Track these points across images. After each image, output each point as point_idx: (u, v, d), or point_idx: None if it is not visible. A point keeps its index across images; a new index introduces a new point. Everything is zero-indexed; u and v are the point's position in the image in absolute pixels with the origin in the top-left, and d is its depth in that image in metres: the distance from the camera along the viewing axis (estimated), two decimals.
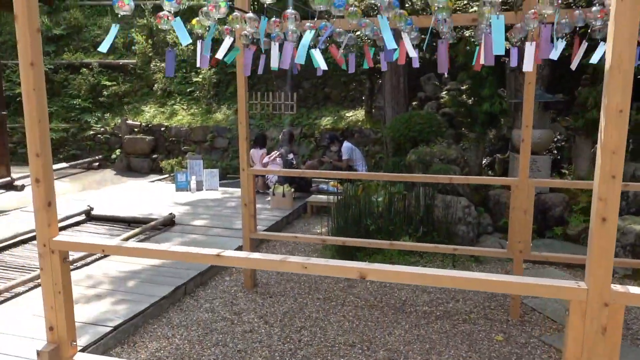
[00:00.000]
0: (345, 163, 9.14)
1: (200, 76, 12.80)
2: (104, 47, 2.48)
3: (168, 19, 3.01)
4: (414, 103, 11.02)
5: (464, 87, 10.75)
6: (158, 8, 14.55)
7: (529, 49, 2.62)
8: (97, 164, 12.16)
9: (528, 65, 2.86)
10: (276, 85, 12.29)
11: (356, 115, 11.49)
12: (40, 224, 2.42)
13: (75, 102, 13.35)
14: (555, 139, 7.31)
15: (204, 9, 3.03)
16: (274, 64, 3.35)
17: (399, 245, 4.68)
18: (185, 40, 2.81)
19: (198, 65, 3.38)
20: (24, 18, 2.28)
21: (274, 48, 3.31)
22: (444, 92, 11.21)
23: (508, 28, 3.41)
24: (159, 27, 3.01)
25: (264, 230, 6.31)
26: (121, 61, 13.95)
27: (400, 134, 8.20)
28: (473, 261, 5.59)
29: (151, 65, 13.70)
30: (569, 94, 7.03)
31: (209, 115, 12.45)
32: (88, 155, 12.49)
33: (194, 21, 3.36)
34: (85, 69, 13.62)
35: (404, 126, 8.19)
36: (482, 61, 2.81)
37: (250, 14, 3.20)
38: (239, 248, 5.77)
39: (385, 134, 8.99)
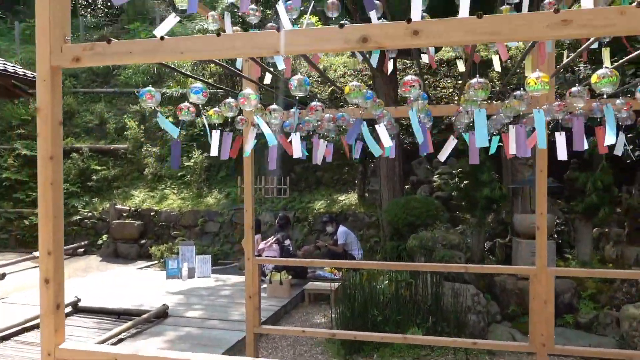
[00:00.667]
0: (341, 248, 8.97)
1: (192, 160, 12.80)
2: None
3: (189, 109, 2.97)
4: (406, 187, 11.07)
5: (456, 171, 10.87)
6: None
7: (560, 139, 2.60)
8: (82, 249, 11.76)
9: (562, 155, 2.73)
10: (267, 169, 12.31)
11: (349, 198, 11.47)
12: (47, 329, 2.19)
13: (63, 187, 13.13)
14: (555, 224, 7.29)
15: (228, 100, 3.00)
16: (298, 154, 3.31)
17: (412, 339, 4.42)
18: (175, 133, 2.79)
19: (214, 154, 3.29)
20: (47, 110, 2.20)
21: (296, 139, 3.27)
22: (435, 176, 11.32)
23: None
24: (180, 118, 2.96)
25: (263, 322, 5.98)
26: (112, 146, 13.97)
27: (398, 218, 8.12)
28: (486, 354, 5.31)
29: (142, 150, 13.71)
30: (558, 178, 7.12)
31: (199, 199, 12.32)
32: (73, 241, 12.10)
33: (211, 112, 3.33)
34: (75, 154, 13.56)
35: (402, 210, 8.13)
36: (513, 151, 2.77)
37: (274, 106, 3.19)
38: (239, 342, 5.42)
39: (382, 217, 8.91)
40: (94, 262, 11.05)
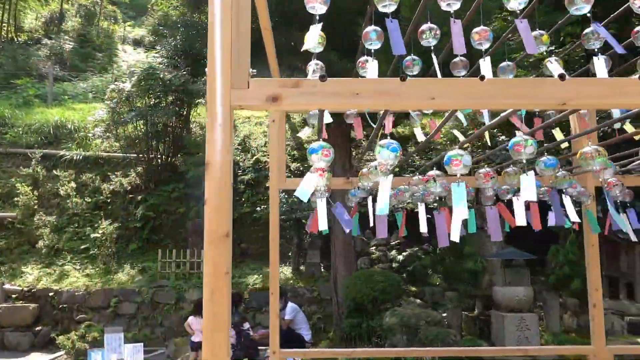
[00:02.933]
0: (286, 323, 8.22)
1: (100, 231, 11.28)
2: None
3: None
4: None
5: (395, 243, 10.85)
6: (46, 157, 13.10)
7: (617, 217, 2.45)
8: None
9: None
10: (191, 242, 11.24)
11: (283, 272, 10.79)
12: None
13: None
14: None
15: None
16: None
17: None
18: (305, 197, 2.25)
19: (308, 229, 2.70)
20: None
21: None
22: (372, 248, 11.19)
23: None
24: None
25: None
26: None
27: (362, 293, 7.69)
28: None
29: (35, 219, 11.83)
30: (531, 251, 7.33)
31: (109, 276, 10.76)
32: None
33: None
34: None
35: (365, 285, 7.74)
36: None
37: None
38: None
39: (337, 293, 8.41)
40: None
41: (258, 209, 11.28)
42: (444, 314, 6.97)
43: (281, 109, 1.76)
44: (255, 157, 13.22)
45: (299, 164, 12.94)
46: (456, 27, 1.93)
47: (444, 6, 1.99)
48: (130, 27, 26.98)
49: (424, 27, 2.34)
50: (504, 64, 2.70)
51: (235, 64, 1.60)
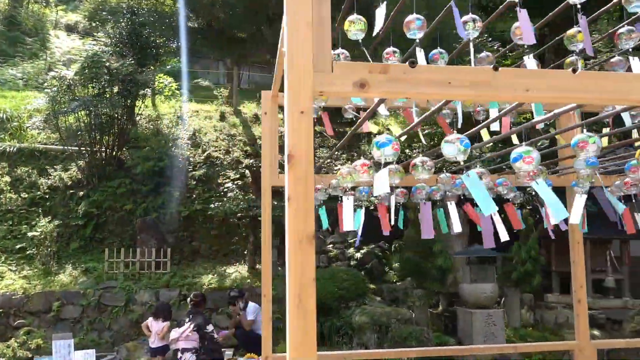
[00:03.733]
0: (249, 324, 8.01)
1: (39, 229, 10.48)
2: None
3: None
4: None
5: (353, 241, 10.84)
6: None
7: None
8: None
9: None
10: (140, 240, 10.67)
11: (238, 271, 10.49)
12: None
13: None
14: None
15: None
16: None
17: None
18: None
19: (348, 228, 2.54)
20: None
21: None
22: (329, 246, 11.14)
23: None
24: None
25: None
26: None
27: (326, 291, 7.58)
28: None
29: None
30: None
31: (49, 277, 10.01)
32: None
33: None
34: None
35: (330, 283, 7.64)
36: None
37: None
38: None
39: None
40: None
41: (212, 205, 10.89)
42: (411, 312, 7.00)
43: (369, 96, 1.59)
44: (206, 153, 12.78)
45: (253, 160, 12.64)
46: (522, 15, 1.83)
47: None
48: (62, 11, 25.40)
49: (466, 17, 2.24)
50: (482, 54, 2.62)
51: (318, 46, 1.42)
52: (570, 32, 2.27)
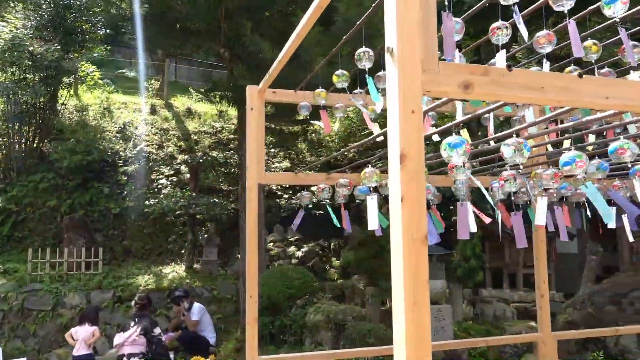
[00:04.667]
0: (193, 325, 7.75)
1: None
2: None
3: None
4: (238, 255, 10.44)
5: (295, 239, 10.85)
6: None
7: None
8: None
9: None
10: (67, 239, 9.95)
11: (175, 271, 10.11)
12: None
13: None
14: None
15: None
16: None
17: None
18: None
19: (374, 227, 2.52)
20: None
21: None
22: (269, 244, 11.05)
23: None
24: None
25: None
26: None
27: (277, 290, 7.51)
28: None
29: None
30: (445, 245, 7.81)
31: None
32: None
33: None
34: None
35: (280, 282, 7.58)
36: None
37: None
38: None
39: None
40: None
41: (148, 202, 10.39)
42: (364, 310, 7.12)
43: (472, 98, 1.59)
44: (138, 147, 12.18)
45: (187, 156, 12.22)
46: (571, 27, 1.92)
47: (555, 7, 1.97)
48: None
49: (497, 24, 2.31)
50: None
51: (426, 45, 1.40)
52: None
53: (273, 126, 13.28)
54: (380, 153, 3.61)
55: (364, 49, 2.56)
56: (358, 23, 2.59)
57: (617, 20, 2.01)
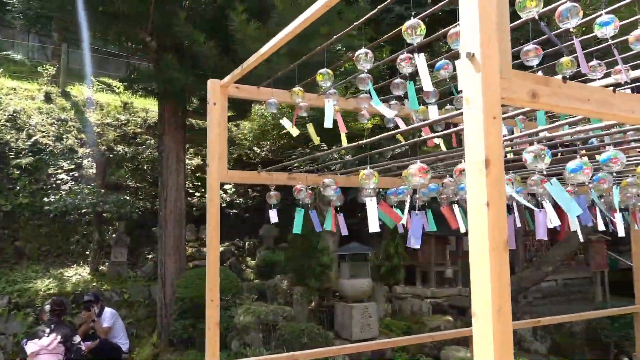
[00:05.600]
0: (105, 331, 7.25)
1: None
2: None
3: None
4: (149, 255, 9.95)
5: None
6: None
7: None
8: None
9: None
10: None
11: (79, 274, 9.34)
12: None
13: None
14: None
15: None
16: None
17: None
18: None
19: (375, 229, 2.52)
20: None
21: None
22: None
23: None
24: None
25: None
26: None
27: (200, 293, 7.22)
28: None
29: None
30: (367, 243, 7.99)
31: None
32: None
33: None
34: None
35: (202, 284, 7.29)
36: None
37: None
38: None
39: (166, 293, 7.71)
40: None
41: (47, 199, 9.48)
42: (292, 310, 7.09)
43: (536, 107, 1.64)
44: (33, 139, 11.05)
45: (89, 149, 11.33)
46: (577, 46, 2.08)
47: (562, 26, 2.11)
48: None
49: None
50: None
51: (502, 52, 1.44)
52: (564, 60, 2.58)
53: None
54: (317, 155, 3.63)
55: (364, 50, 2.55)
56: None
57: (610, 40, 2.21)
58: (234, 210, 12.04)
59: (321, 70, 2.94)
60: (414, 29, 2.19)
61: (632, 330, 6.03)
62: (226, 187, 12.58)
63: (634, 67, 2.85)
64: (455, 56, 2.57)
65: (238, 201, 12.22)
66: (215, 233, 3.55)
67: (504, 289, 1.38)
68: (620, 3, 2.47)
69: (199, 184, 12.07)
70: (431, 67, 2.75)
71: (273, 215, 3.42)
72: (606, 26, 2.21)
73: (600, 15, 2.22)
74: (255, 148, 13.71)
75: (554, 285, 10.14)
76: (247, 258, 10.86)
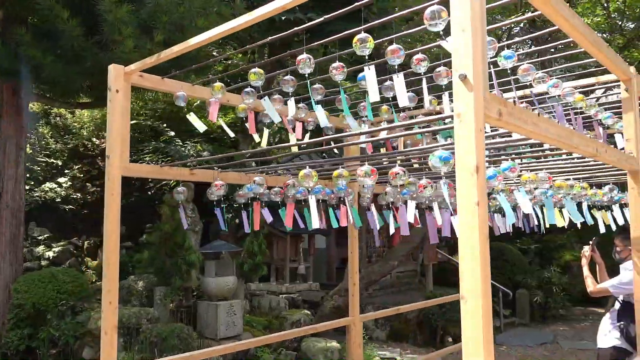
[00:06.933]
0: None
1: None
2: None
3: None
4: None
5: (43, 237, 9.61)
6: None
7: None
8: None
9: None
10: None
11: None
12: None
13: None
14: None
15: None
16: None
17: None
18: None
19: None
20: None
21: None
22: None
23: None
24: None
25: None
26: None
27: (45, 297, 6.52)
28: None
29: None
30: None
31: None
32: None
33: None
34: None
35: (49, 287, 6.61)
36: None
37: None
38: None
39: (5, 300, 6.76)
40: None
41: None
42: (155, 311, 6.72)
43: (500, 126, 1.91)
44: None
45: None
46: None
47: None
48: None
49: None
50: None
51: (482, 72, 1.71)
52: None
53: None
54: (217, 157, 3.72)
55: (306, 55, 2.66)
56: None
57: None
58: (70, 206, 10.96)
59: (253, 70, 2.97)
60: (363, 42, 2.38)
61: (457, 315, 7.06)
62: (60, 179, 11.41)
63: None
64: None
65: (75, 196, 11.15)
66: (116, 230, 3.32)
67: (487, 274, 1.65)
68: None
69: (29, 176, 10.73)
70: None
71: (219, 216, 3.34)
72: (509, 59, 2.68)
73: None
74: (94, 139, 12.63)
75: (389, 278, 11.22)
76: (87, 259, 9.99)
